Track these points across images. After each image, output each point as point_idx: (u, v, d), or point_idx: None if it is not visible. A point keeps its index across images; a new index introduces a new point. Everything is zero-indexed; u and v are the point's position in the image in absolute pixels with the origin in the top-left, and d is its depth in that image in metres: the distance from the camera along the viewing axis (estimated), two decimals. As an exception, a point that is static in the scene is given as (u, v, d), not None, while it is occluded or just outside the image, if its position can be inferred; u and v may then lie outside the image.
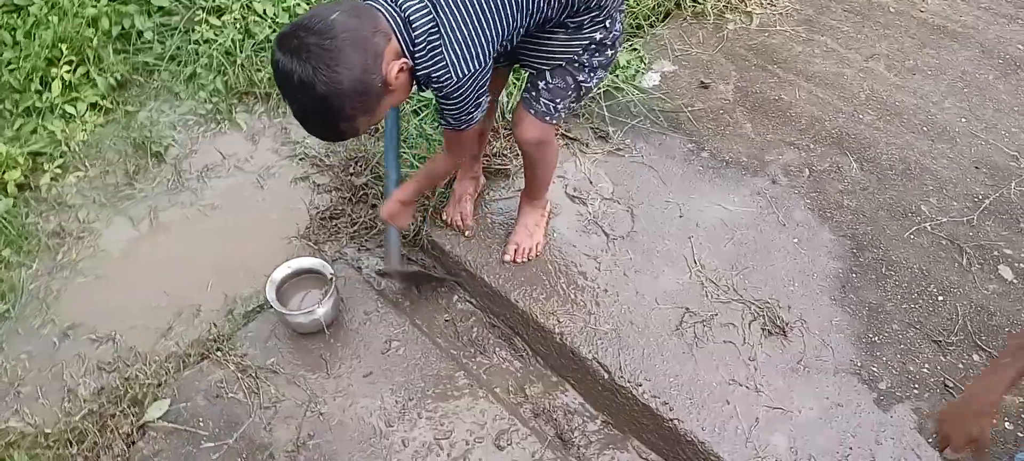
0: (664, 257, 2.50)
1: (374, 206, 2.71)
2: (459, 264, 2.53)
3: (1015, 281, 2.45)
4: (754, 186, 2.72)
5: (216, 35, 3.20)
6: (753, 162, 2.81)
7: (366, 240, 2.67)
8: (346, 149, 2.93)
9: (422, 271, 2.57)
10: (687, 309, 2.36)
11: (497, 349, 2.46)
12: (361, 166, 2.85)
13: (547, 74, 2.10)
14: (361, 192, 2.77)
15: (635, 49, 3.25)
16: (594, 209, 2.64)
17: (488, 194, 2.68)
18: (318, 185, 2.85)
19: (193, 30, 3.22)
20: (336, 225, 2.70)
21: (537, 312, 2.36)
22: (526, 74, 2.21)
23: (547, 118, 2.16)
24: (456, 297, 2.57)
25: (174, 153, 2.97)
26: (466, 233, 2.55)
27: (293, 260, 2.43)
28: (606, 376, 2.24)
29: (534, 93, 2.14)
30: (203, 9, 3.25)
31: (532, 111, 2.16)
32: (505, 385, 2.36)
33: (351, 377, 2.27)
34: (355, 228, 2.68)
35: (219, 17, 3.25)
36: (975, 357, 2.26)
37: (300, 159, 2.94)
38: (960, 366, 2.23)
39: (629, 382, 2.20)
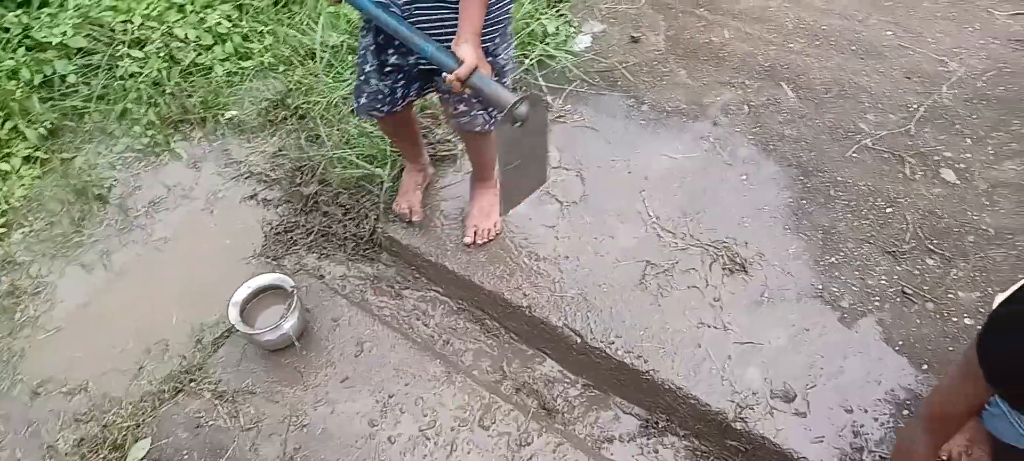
0: (619, 215, 2.54)
1: (326, 213, 2.72)
2: (418, 255, 2.55)
3: (958, 182, 2.54)
4: (696, 131, 2.77)
5: (141, 67, 3.15)
6: (693, 107, 2.86)
7: (324, 247, 2.68)
8: (290, 160, 2.92)
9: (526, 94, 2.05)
10: (648, 262, 2.40)
11: (469, 332, 2.49)
12: (307, 175, 2.84)
13: None
14: (312, 201, 2.77)
15: (562, 14, 3.27)
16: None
17: (438, 181, 2.70)
18: (267, 201, 2.84)
19: (116, 66, 3.17)
20: (292, 237, 2.70)
21: (504, 289, 2.39)
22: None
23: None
24: (422, 289, 2.59)
25: (117, 193, 2.93)
26: (413, 218, 2.57)
27: (253, 279, 2.43)
28: (579, 340, 2.28)
29: None
30: (123, 44, 3.20)
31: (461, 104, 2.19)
32: (482, 366, 2.40)
33: (328, 385, 2.29)
34: (311, 237, 2.69)
35: (141, 48, 3.20)
36: (929, 261, 2.34)
37: (245, 178, 2.92)
38: (915, 272, 2.31)
39: (601, 342, 2.25)
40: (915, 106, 2.79)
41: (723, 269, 2.37)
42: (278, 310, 2.40)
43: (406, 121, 2.41)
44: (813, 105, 2.83)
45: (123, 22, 3.23)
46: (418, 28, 1.91)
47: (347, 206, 2.71)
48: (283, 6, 3.44)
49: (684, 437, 2.20)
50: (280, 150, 2.97)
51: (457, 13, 1.87)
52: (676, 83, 2.96)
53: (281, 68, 3.23)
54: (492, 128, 2.24)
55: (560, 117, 2.86)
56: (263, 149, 3.00)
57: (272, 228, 2.74)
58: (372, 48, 2.11)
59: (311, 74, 3.10)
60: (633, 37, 3.14)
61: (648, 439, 2.21)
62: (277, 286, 2.42)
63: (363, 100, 2.23)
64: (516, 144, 1.83)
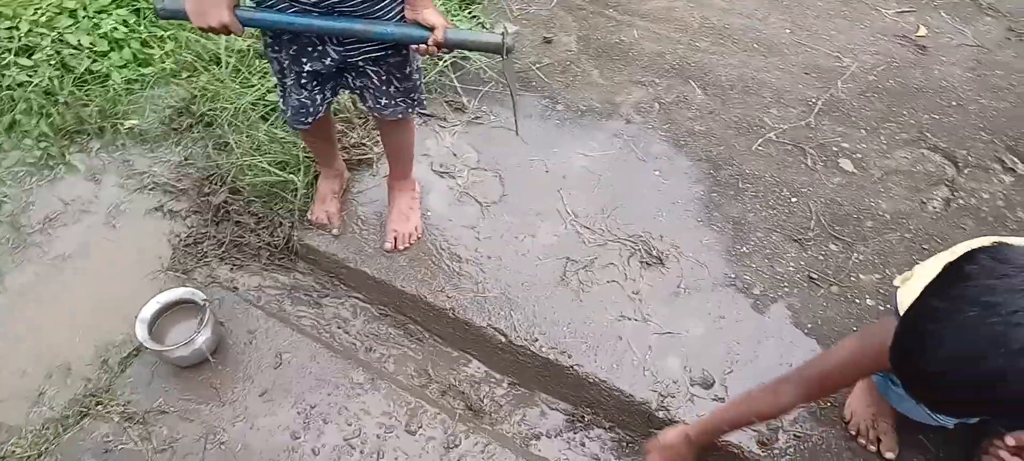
0: (538, 214, 2.57)
1: (238, 223, 2.65)
2: (336, 262, 2.52)
3: (855, 171, 2.69)
4: (610, 129, 2.84)
5: (30, 76, 2.99)
6: (606, 106, 2.92)
7: (237, 258, 2.61)
8: (197, 169, 2.83)
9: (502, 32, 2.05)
10: (568, 258, 2.45)
11: (392, 338, 2.47)
12: (216, 184, 2.76)
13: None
14: (222, 211, 2.69)
15: (475, 17, 3.29)
16: (463, 181, 2.68)
17: (354, 186, 2.67)
18: (174, 213, 2.74)
19: (2, 76, 3.00)
20: (202, 249, 2.61)
21: (426, 292, 2.39)
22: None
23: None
24: (341, 296, 2.56)
25: (8, 210, 2.77)
26: (333, 231, 2.54)
27: (161, 294, 2.35)
28: (503, 339, 2.30)
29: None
30: (9, 52, 3.03)
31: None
32: (407, 371, 2.38)
33: (247, 400, 2.23)
34: (223, 249, 2.61)
35: (29, 56, 3.04)
36: (832, 246, 2.47)
37: (150, 189, 2.81)
38: (820, 258, 2.43)
39: (525, 340, 2.27)
40: (814, 100, 2.94)
41: (641, 262, 2.44)
42: (190, 325, 2.32)
43: (325, 125, 2.37)
44: (720, 101, 2.94)
45: (8, 29, 3.06)
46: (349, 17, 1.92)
47: (260, 215, 2.64)
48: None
49: (609, 429, 2.24)
50: (186, 159, 2.87)
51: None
52: (589, 83, 3.03)
53: (184, 74, 3.12)
54: (414, 112, 2.24)
55: (477, 119, 2.88)
56: (168, 159, 2.90)
57: (180, 240, 2.65)
58: (288, 62, 2.08)
59: (217, 80, 3.01)
60: (545, 38, 3.19)
61: (574, 433, 2.25)
62: (188, 300, 2.34)
63: (289, 114, 2.21)
64: (511, 70, 2.02)
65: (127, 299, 2.43)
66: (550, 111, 2.91)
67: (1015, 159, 2.70)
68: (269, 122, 2.85)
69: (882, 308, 2.30)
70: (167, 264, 2.59)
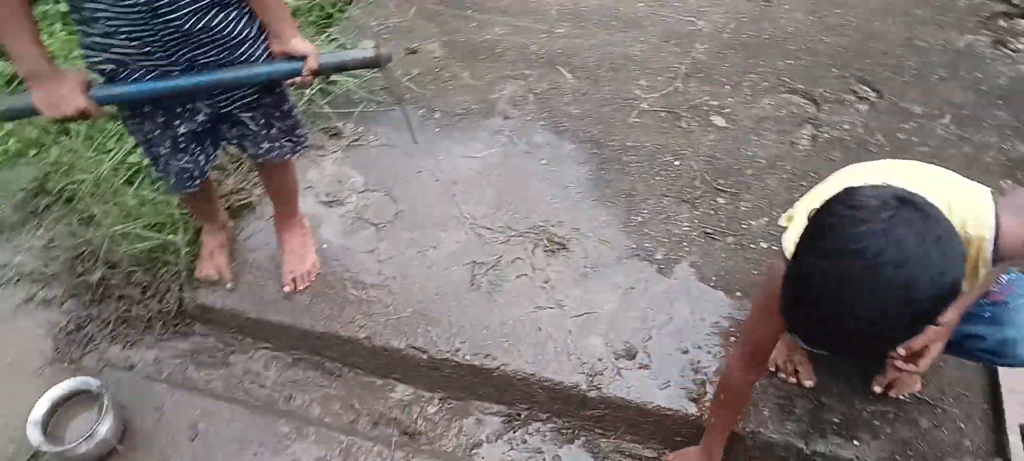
0: (436, 223, 2.57)
1: (121, 297, 2.51)
2: (237, 316, 2.43)
3: (727, 125, 2.84)
4: (491, 127, 2.88)
5: None
6: (482, 105, 2.96)
7: (128, 334, 2.47)
8: (65, 249, 2.65)
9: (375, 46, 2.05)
10: (474, 262, 2.46)
11: (311, 381, 2.40)
12: (89, 261, 2.59)
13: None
14: (101, 288, 2.54)
15: (334, 39, 3.25)
16: (354, 206, 2.64)
17: (240, 234, 2.58)
18: (49, 301, 2.56)
19: None
20: (87, 334, 2.46)
21: (337, 327, 2.34)
22: None
23: None
24: (248, 350, 2.47)
25: None
26: (227, 285, 2.45)
27: (51, 390, 2.19)
28: (425, 357, 2.28)
29: None
30: None
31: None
32: (333, 411, 2.32)
33: (168, 478, 2.12)
34: (110, 328, 2.46)
35: None
36: (720, 200, 2.59)
37: (16, 282, 2.61)
38: (711, 213, 2.55)
39: (447, 353, 2.26)
40: (677, 65, 3.07)
41: (545, 251, 2.48)
42: (89, 417, 2.18)
43: (206, 184, 2.28)
44: (590, 82, 3.03)
45: None
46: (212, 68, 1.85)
47: (144, 284, 2.51)
48: (17, 84, 3.11)
49: (547, 420, 2.27)
50: (51, 242, 2.69)
51: (234, 41, 1.84)
52: (461, 85, 3.05)
53: (32, 151, 2.92)
54: (300, 151, 2.20)
55: (355, 141, 2.84)
56: (29, 245, 2.70)
57: (61, 329, 2.48)
58: (157, 131, 1.98)
59: (69, 151, 2.83)
60: (410, 49, 3.19)
61: (514, 432, 2.26)
62: (82, 390, 2.21)
63: (173, 181, 2.11)
64: (394, 79, 2.02)
65: (11, 405, 2.25)
66: (428, 120, 2.91)
67: (866, 88, 2.93)
68: (135, 185, 2.71)
69: (775, 248, 2.44)
70: (51, 357, 2.42)
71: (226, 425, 2.21)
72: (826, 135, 2.78)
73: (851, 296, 1.31)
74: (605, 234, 2.52)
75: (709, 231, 2.50)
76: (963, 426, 2.06)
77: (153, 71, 1.82)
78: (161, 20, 1.72)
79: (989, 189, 1.57)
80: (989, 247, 1.52)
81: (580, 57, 3.14)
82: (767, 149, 2.73)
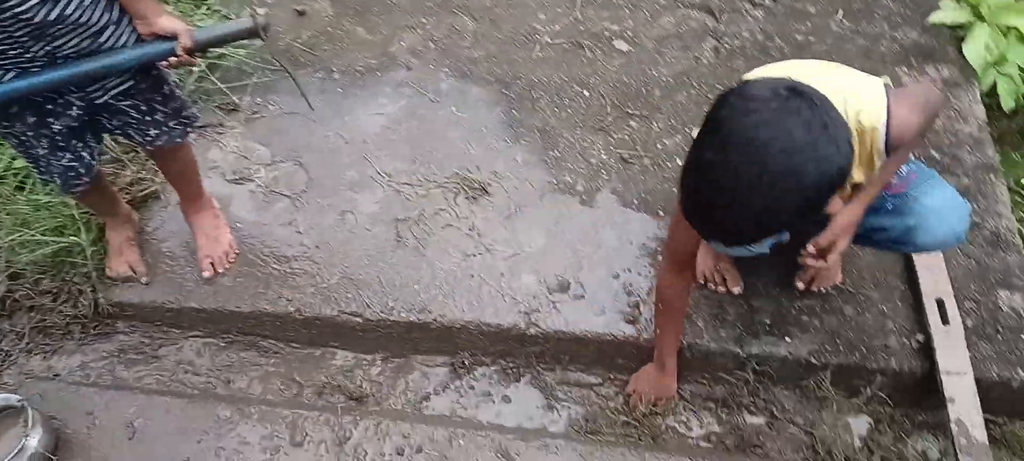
0: (353, 186, 2.53)
1: (32, 308, 2.39)
2: (158, 309, 2.36)
3: (630, 48, 2.88)
4: (394, 80, 2.84)
5: None
6: (383, 60, 2.91)
7: (45, 344, 2.37)
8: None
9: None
10: (396, 219, 2.44)
11: (247, 362, 2.36)
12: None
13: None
14: (8, 302, 2.40)
15: (217, 10, 3.11)
16: (264, 180, 2.57)
17: (148, 225, 2.49)
18: (-53, 321, 2.42)
19: None
20: (1, 350, 2.34)
21: (264, 305, 2.30)
22: None
23: None
24: (177, 341, 2.40)
25: None
26: (142, 279, 2.37)
27: (-33, 414, 2.09)
28: (359, 320, 2.27)
29: None
30: None
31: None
32: (274, 388, 2.29)
33: (110, 482, 2.06)
34: (25, 341, 2.36)
35: None
36: (632, 124, 2.64)
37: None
38: (625, 138, 2.60)
39: (382, 313, 2.26)
40: (576, -7, 3.09)
41: (467, 198, 2.48)
42: (16, 433, 2.08)
43: (97, 177, 2.17)
44: (489, 22, 3.01)
45: None
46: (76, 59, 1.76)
47: (53, 290, 2.39)
48: None
49: (491, 363, 2.30)
50: (-59, 262, 2.53)
51: (94, 29, 1.76)
52: (358, 42, 2.98)
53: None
54: (190, 132, 2.15)
55: (255, 114, 2.75)
56: (-84, 269, 2.54)
57: (-32, 349, 2.36)
58: (31, 133, 1.88)
59: (-56, 165, 2.64)
60: (298, 11, 3.09)
61: (460, 380, 2.29)
62: (4, 408, 2.11)
63: (59, 181, 2.02)
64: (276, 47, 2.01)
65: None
66: (328, 81, 2.84)
67: (758, -6, 3.02)
68: (26, 190, 2.56)
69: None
70: (-39, 381, 2.30)
71: (164, 418, 2.15)
72: (727, 46, 2.86)
73: (741, 185, 1.37)
74: (524, 173, 2.54)
75: (625, 156, 2.55)
76: (885, 309, 2.20)
77: (11, 71, 1.72)
78: (9, 15, 1.62)
79: (883, 81, 1.65)
80: (882, 136, 1.61)
81: (478, -2, 3.12)
82: (672, 67, 2.79)
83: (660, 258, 2.30)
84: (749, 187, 1.36)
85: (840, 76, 1.69)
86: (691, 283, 2.03)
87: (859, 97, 1.61)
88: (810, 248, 1.79)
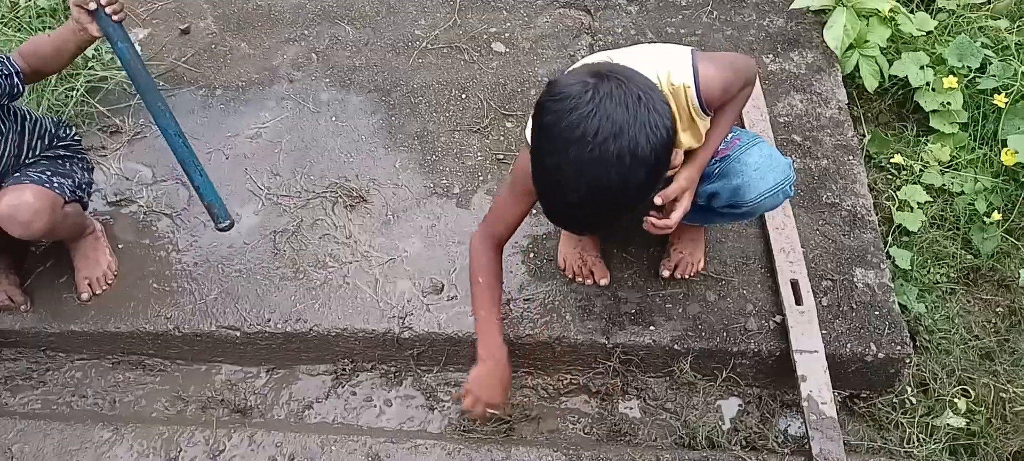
0: (233, 201, 2.62)
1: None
2: (40, 335, 2.44)
3: (507, 50, 3.01)
4: (276, 94, 2.94)
5: None
6: (264, 74, 3.01)
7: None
8: None
9: None
10: (275, 232, 2.55)
11: (133, 381, 2.45)
12: None
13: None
14: None
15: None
16: (146, 200, 2.67)
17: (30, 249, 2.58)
18: None
19: None
20: None
21: (143, 324, 2.39)
22: None
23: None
24: (63, 364, 2.49)
25: None
26: (22, 307, 2.45)
27: None
28: (238, 334, 2.38)
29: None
30: None
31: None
32: (159, 406, 2.39)
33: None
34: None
35: None
36: (508, 124, 2.77)
37: None
38: (501, 139, 2.73)
39: (259, 325, 2.37)
40: (453, 0, 3.21)
41: (345, 207, 2.60)
42: None
43: None
44: (371, 30, 3.12)
45: None
46: None
47: (-69, 324, 2.48)
48: None
49: (371, 368, 2.41)
50: None
51: None
52: (240, 57, 3.08)
53: None
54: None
55: (137, 134, 2.84)
56: None
57: None
58: None
59: None
60: (182, 29, 3.17)
61: (342, 387, 2.40)
62: None
63: None
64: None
65: None
66: (210, 98, 2.94)
67: (630, -10, 3.17)
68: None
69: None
70: None
71: (42, 442, 2.24)
72: (602, 42, 3.00)
73: (589, 178, 1.54)
74: (402, 179, 2.66)
75: (500, 157, 2.69)
76: (746, 292, 2.35)
77: None
78: None
79: (689, 48, 1.81)
80: (693, 92, 1.77)
81: (357, 7, 3.21)
82: (549, 66, 2.92)
83: (532, 256, 2.44)
84: (596, 178, 1.53)
85: (648, 50, 1.88)
86: (500, 257, 2.13)
87: (666, 62, 1.79)
88: (657, 200, 1.88)
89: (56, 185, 2.24)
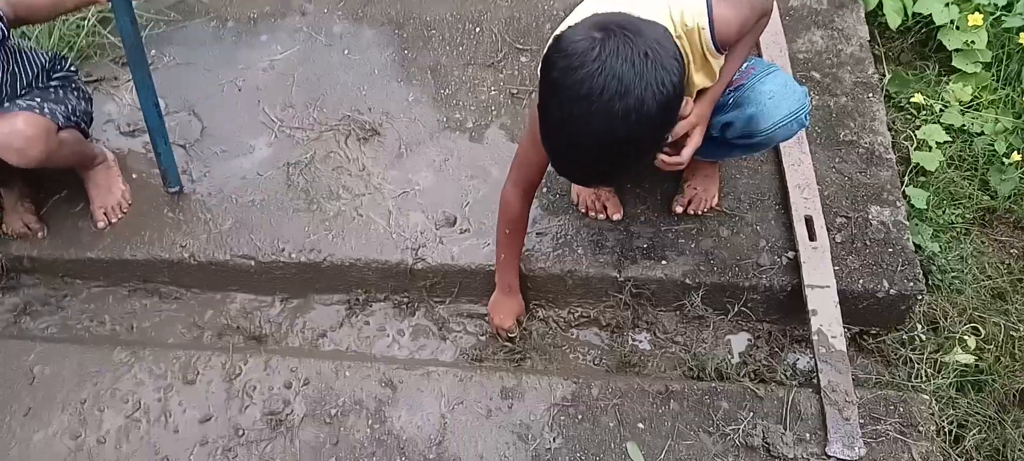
0: (246, 131, 2.69)
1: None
2: (58, 262, 2.52)
3: (527, -18, 3.03)
4: (288, 26, 2.97)
5: None
6: (277, 6, 3.03)
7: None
8: None
9: None
10: (288, 163, 2.60)
11: (150, 308, 2.54)
12: None
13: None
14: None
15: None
16: (159, 131, 2.73)
17: (42, 178, 2.64)
18: None
19: None
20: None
21: (159, 252, 2.46)
22: None
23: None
24: (81, 291, 2.58)
25: None
26: (39, 235, 2.53)
27: None
28: (252, 264, 2.45)
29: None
30: None
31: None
32: (176, 332, 2.48)
33: (11, 423, 2.23)
34: None
35: None
36: (522, 59, 2.80)
37: None
38: (515, 74, 2.76)
39: (274, 255, 2.43)
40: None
41: (358, 140, 2.65)
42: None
43: None
44: (385, -40, 3.14)
45: None
46: None
47: (-48, 248, 2.56)
48: None
49: (385, 299, 2.48)
50: None
51: None
52: (251, -13, 3.11)
53: None
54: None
55: (150, 65, 2.86)
56: None
57: None
58: None
59: None
60: (192, -40, 3.20)
61: (356, 316, 2.48)
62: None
63: None
64: None
65: None
66: (222, 30, 2.98)
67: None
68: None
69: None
70: None
71: (63, 363, 2.33)
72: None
73: (597, 137, 1.59)
74: (415, 112, 2.70)
75: (514, 92, 2.72)
76: (759, 228, 2.38)
77: None
78: None
79: None
80: (708, 33, 1.79)
81: (369, -62, 3.23)
82: (564, 0, 2.94)
83: (545, 190, 2.48)
84: (603, 136, 1.57)
85: None
86: (530, 204, 2.20)
87: (680, 1, 1.79)
88: (664, 148, 1.93)
89: (47, 111, 2.29)
